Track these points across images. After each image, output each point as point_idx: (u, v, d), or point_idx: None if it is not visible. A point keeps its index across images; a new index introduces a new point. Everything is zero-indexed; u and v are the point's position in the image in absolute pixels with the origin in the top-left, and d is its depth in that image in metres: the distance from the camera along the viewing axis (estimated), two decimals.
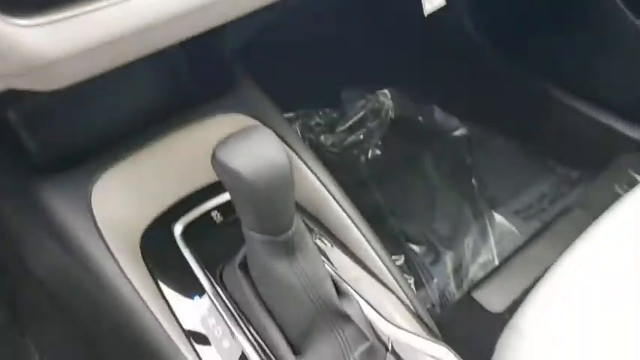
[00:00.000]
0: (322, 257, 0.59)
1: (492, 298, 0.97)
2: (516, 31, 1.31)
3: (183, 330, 0.57)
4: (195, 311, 0.58)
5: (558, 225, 1.10)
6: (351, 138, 1.37)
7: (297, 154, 0.68)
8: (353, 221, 0.67)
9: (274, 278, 0.54)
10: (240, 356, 0.56)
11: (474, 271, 1.13)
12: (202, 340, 0.57)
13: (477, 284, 0.99)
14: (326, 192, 0.68)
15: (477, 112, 1.40)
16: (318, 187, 0.68)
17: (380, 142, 1.37)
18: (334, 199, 0.67)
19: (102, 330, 0.68)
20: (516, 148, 1.36)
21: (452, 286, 1.11)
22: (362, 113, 1.41)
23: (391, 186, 1.29)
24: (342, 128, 1.39)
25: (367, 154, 1.35)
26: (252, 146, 0.49)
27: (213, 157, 0.49)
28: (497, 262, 1.14)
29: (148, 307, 0.57)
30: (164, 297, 0.58)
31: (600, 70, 1.23)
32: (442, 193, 1.28)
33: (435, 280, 1.10)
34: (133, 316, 0.57)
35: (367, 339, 0.55)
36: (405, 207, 1.26)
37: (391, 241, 1.18)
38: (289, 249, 0.53)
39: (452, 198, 1.27)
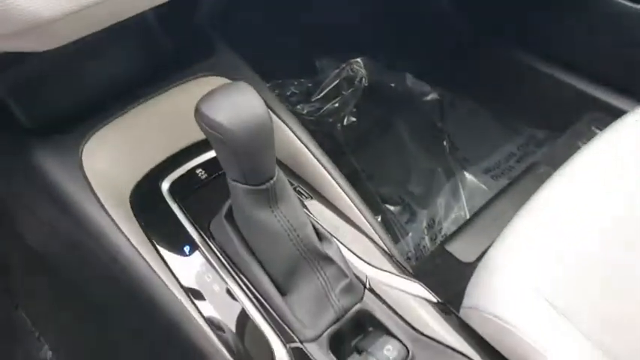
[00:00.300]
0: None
1: (464, 249, 1.02)
2: None
3: (180, 283, 0.60)
4: (188, 264, 0.61)
5: (525, 180, 1.16)
6: (327, 106, 1.41)
7: (274, 112, 0.72)
8: (330, 174, 0.71)
9: (258, 225, 0.57)
10: (233, 302, 0.59)
11: (447, 227, 1.19)
12: (196, 291, 0.60)
13: (450, 237, 1.05)
14: (303, 147, 0.72)
15: (447, 77, 1.44)
16: (295, 142, 0.72)
17: (355, 109, 1.41)
18: (311, 153, 0.71)
19: (101, 289, 0.70)
20: (485, 111, 1.41)
21: (426, 241, 1.16)
22: (336, 82, 1.44)
23: (367, 151, 1.34)
24: (318, 97, 1.42)
25: (343, 121, 1.39)
26: (233, 99, 0.51)
27: (197, 110, 0.51)
28: (468, 218, 1.20)
29: (147, 262, 0.59)
30: (157, 250, 0.62)
31: (564, 33, 1.28)
32: (415, 155, 1.33)
33: (410, 235, 1.16)
34: (134, 273, 0.60)
35: (346, 276, 0.60)
36: (380, 170, 1.31)
37: (368, 203, 1.23)
38: (271, 197, 0.56)
39: (425, 160, 1.32)
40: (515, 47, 1.35)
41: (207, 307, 0.59)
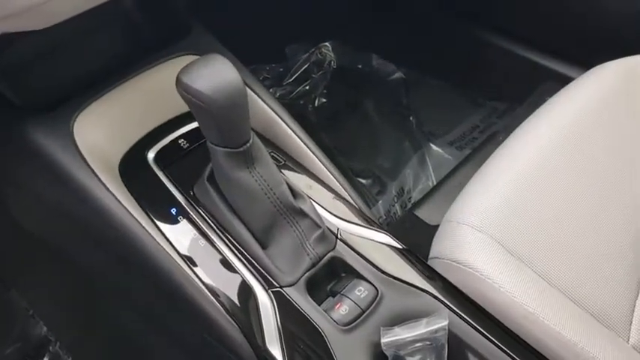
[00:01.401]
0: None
1: (431, 213, 1.09)
2: None
3: (176, 249, 0.64)
4: (177, 228, 0.66)
5: (486, 148, 1.23)
6: (298, 89, 1.46)
7: (248, 85, 0.77)
8: (302, 140, 0.77)
9: (238, 185, 0.63)
10: (221, 259, 0.65)
11: (416, 195, 1.26)
12: (189, 256, 0.64)
13: (418, 203, 1.12)
14: (277, 117, 0.78)
15: (411, 56, 1.51)
16: (269, 113, 0.78)
17: (325, 91, 1.46)
18: (284, 123, 0.77)
19: (97, 259, 0.74)
20: (448, 87, 1.48)
21: (396, 208, 1.23)
22: (306, 66, 1.49)
23: (337, 129, 1.40)
24: (289, 81, 1.47)
25: (314, 102, 1.45)
26: (211, 69, 0.57)
27: (178, 80, 0.56)
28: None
29: (145, 229, 0.64)
30: (149, 216, 0.66)
31: (515, 8, 1.36)
32: (384, 131, 1.40)
33: (381, 202, 1.22)
34: (133, 239, 0.64)
35: (319, 227, 0.66)
36: (351, 147, 1.37)
37: None
38: (248, 159, 0.62)
39: (393, 135, 1.39)
40: (471, 24, 1.42)
41: (200, 270, 0.64)
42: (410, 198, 1.26)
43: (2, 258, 1.00)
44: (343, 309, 0.62)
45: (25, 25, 0.51)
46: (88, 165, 0.66)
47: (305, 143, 0.78)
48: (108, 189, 0.65)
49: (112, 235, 0.66)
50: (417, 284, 0.65)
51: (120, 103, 0.72)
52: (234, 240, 0.66)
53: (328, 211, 0.71)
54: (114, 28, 0.73)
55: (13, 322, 1.00)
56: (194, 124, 0.74)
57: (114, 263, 0.72)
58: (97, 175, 0.66)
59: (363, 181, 1.30)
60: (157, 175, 0.69)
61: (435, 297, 0.64)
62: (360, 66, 1.50)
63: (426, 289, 0.65)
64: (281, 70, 1.49)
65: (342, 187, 0.77)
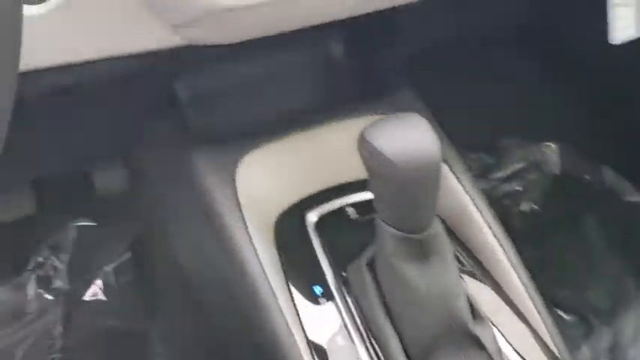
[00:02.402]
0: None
1: None
2: None
3: (306, 336, 0.55)
4: (319, 314, 0.57)
5: None
6: (506, 188, 1.29)
7: (445, 160, 0.65)
8: (500, 243, 0.62)
9: (402, 282, 0.51)
10: None
11: (634, 355, 1.00)
12: (320, 348, 0.55)
13: None
14: (472, 206, 0.64)
15: None
16: (463, 198, 0.65)
17: (538, 197, 1.26)
18: (481, 215, 0.63)
19: (233, 324, 0.68)
20: None
21: None
22: (522, 165, 1.32)
23: (545, 244, 1.18)
24: (497, 176, 1.31)
25: (522, 206, 1.26)
26: (403, 130, 0.47)
27: (361, 135, 0.48)
28: None
29: (277, 302, 0.56)
30: (290, 289, 0.58)
31: None
32: (603, 260, 1.15)
33: (585, 349, 0.99)
34: (262, 312, 0.57)
35: None
36: (558, 270, 1.14)
37: None
38: (423, 251, 0.50)
39: (614, 267, 1.14)
40: None
41: None
42: (626, 356, 1.00)
43: (153, 292, 0.99)
44: None
45: (205, 37, 0.46)
46: (242, 215, 0.60)
47: (504, 249, 0.62)
48: (254, 246, 0.58)
49: (245, 300, 0.59)
50: None
51: (293, 153, 0.65)
52: (381, 350, 0.53)
53: (514, 349, 0.55)
54: (309, 70, 0.69)
55: (138, 357, 0.97)
56: (369, 195, 0.63)
57: (242, 329, 0.64)
58: (248, 232, 0.59)
59: (567, 316, 1.07)
60: (311, 242, 0.61)
61: None
62: (587, 177, 1.28)
63: None
64: (490, 162, 1.33)
65: (540, 318, 0.59)
